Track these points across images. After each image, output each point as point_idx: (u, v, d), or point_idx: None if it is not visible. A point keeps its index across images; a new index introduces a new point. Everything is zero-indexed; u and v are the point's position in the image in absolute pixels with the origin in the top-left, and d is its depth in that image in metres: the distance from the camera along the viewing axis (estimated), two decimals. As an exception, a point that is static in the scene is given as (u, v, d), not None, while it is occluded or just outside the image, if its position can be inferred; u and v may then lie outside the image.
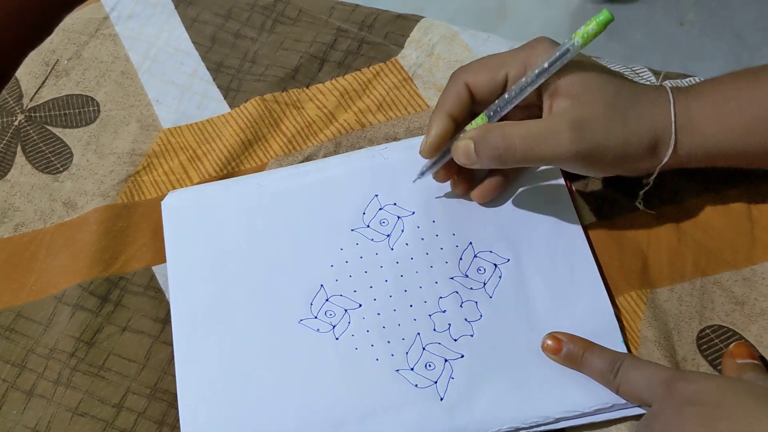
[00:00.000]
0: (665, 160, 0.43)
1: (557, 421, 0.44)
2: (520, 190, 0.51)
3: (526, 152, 0.42)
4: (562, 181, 0.51)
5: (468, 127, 0.45)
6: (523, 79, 0.43)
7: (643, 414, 0.43)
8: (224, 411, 0.46)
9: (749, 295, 0.47)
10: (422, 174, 0.49)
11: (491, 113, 0.45)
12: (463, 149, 0.44)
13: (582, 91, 0.42)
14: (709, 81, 0.45)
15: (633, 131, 0.42)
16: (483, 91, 0.45)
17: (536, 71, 0.42)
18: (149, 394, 0.48)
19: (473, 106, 0.46)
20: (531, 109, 0.46)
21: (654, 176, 0.45)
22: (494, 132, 0.43)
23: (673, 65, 1.29)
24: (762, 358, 0.45)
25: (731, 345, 0.45)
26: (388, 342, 0.47)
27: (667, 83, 0.45)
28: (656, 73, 0.55)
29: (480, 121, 0.45)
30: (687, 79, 0.55)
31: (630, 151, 0.42)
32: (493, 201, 0.50)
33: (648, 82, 0.55)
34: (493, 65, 0.45)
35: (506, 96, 0.44)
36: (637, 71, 0.56)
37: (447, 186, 0.51)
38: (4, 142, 0.58)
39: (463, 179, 0.50)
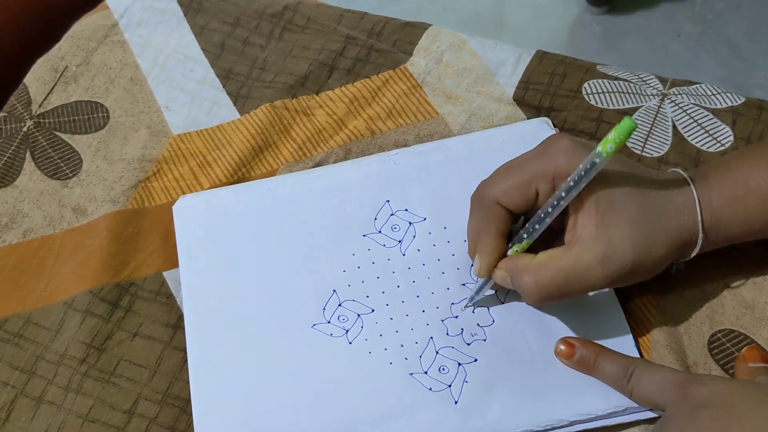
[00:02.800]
0: (693, 255, 0.44)
1: (571, 424, 0.44)
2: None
3: (560, 292, 0.42)
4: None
5: (512, 247, 0.45)
6: (553, 199, 0.42)
7: (656, 417, 0.43)
8: (238, 416, 0.45)
9: (759, 298, 0.47)
10: (473, 298, 0.48)
11: (530, 232, 0.44)
12: (502, 279, 0.45)
13: (607, 209, 0.41)
14: (726, 168, 0.45)
15: (662, 251, 0.42)
16: (518, 210, 0.44)
17: (563, 191, 0.41)
18: (161, 400, 0.48)
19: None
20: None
21: (675, 268, 0.47)
22: (527, 274, 0.42)
23: (669, 76, 1.30)
24: (773, 361, 0.45)
25: (743, 349, 0.45)
26: (402, 346, 0.47)
27: (687, 177, 0.44)
28: (663, 81, 0.56)
29: (518, 247, 0.44)
30: (693, 86, 0.55)
31: (659, 266, 0.43)
32: None
33: (655, 90, 0.55)
34: (523, 183, 0.43)
35: (541, 215, 0.43)
36: (645, 78, 0.56)
37: (459, 194, 0.51)
38: (13, 148, 0.58)
39: None
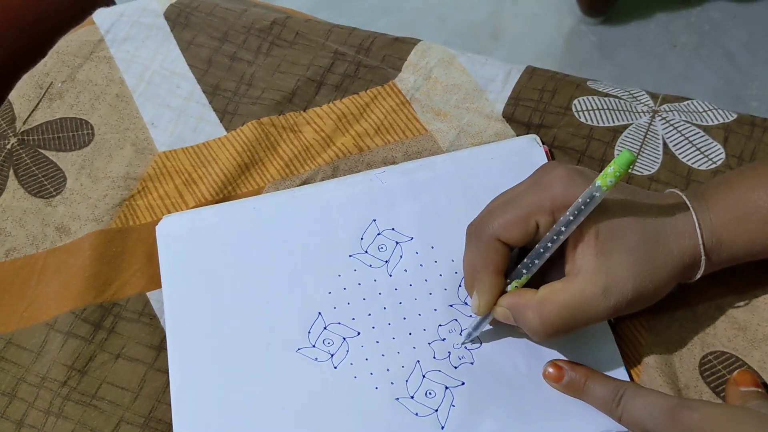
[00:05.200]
0: (696, 278, 0.44)
1: (559, 450, 0.43)
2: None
3: (565, 327, 0.41)
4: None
5: (510, 282, 0.44)
6: (552, 232, 0.42)
7: (646, 443, 0.43)
8: (220, 441, 0.45)
9: (751, 320, 0.47)
10: (471, 335, 0.47)
11: (529, 267, 0.43)
12: (503, 316, 0.44)
13: (606, 238, 0.41)
14: (724, 188, 0.44)
15: (664, 277, 0.42)
16: (518, 244, 0.43)
17: (563, 225, 0.41)
18: (143, 424, 0.47)
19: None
20: None
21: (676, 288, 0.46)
22: (531, 310, 0.42)
23: (665, 86, 1.29)
24: (765, 384, 0.44)
25: (735, 372, 0.44)
26: (388, 370, 0.46)
27: (687, 200, 0.44)
28: (654, 97, 0.55)
29: (517, 283, 0.44)
30: (684, 102, 0.54)
31: (662, 292, 0.43)
32: None
33: (646, 107, 0.55)
34: (522, 218, 0.42)
35: (540, 250, 0.42)
36: (635, 95, 0.55)
37: (446, 213, 0.51)
38: (-3, 165, 0.57)
39: None
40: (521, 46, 1.49)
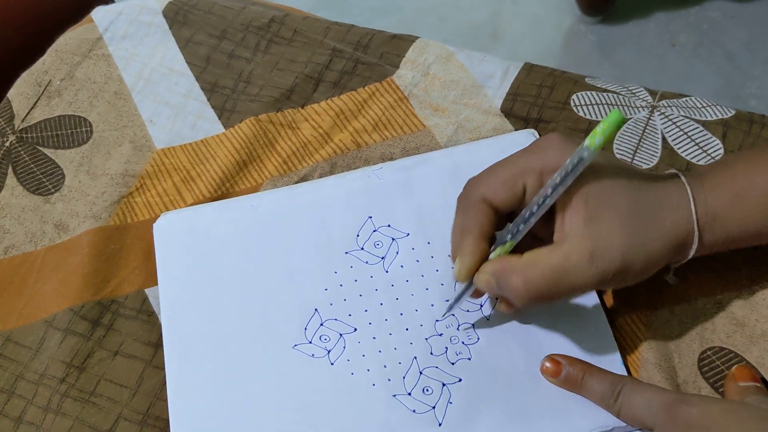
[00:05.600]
0: (687, 258, 0.43)
1: (557, 445, 0.43)
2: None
3: (549, 293, 0.40)
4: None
5: (494, 250, 0.43)
6: (539, 196, 0.40)
7: (645, 438, 0.42)
8: (217, 438, 0.45)
9: (750, 316, 0.47)
10: (452, 306, 0.46)
11: (514, 233, 0.42)
12: (486, 284, 0.42)
13: (596, 206, 0.39)
14: (724, 166, 0.43)
15: (655, 247, 0.40)
16: (504, 206, 0.42)
17: (549, 187, 0.40)
18: (141, 421, 0.47)
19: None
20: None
21: (672, 272, 0.45)
22: (516, 276, 0.40)
23: (664, 86, 1.30)
24: (764, 380, 0.44)
25: (733, 367, 0.44)
26: (385, 366, 0.46)
27: (682, 176, 0.43)
28: (652, 93, 0.55)
29: (501, 250, 0.42)
30: (683, 99, 0.54)
31: (653, 264, 0.41)
32: None
33: (644, 102, 0.55)
34: (509, 178, 0.41)
35: (525, 215, 0.41)
36: (633, 91, 0.55)
37: (442, 208, 0.50)
38: (-5, 163, 0.57)
39: None
40: (521, 46, 1.49)
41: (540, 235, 0.43)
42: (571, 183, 0.39)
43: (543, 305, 0.41)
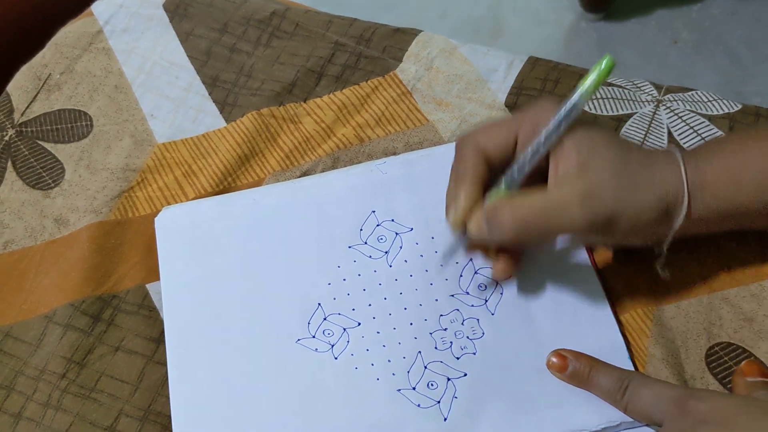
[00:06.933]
0: (677, 225, 0.42)
1: (564, 441, 0.43)
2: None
3: (538, 230, 0.41)
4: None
5: (488, 199, 0.43)
6: (534, 143, 0.42)
7: (652, 434, 0.42)
8: (220, 433, 0.44)
9: (758, 311, 0.46)
10: (445, 258, 0.46)
11: (509, 181, 0.43)
12: (476, 227, 0.42)
13: (588, 155, 0.41)
14: (717, 141, 0.45)
15: (644, 200, 0.41)
16: (496, 155, 0.43)
17: (543, 133, 0.41)
18: (142, 417, 0.46)
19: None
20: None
21: (667, 244, 0.44)
22: (505, 212, 0.41)
23: (666, 83, 1.30)
24: (772, 375, 0.44)
25: (742, 363, 0.44)
26: (389, 361, 0.46)
27: (672, 147, 0.43)
28: (657, 87, 0.55)
29: (498, 194, 0.43)
30: (688, 93, 0.54)
31: (643, 219, 0.41)
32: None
33: (650, 96, 0.54)
34: (503, 128, 0.43)
35: (520, 161, 0.42)
36: (639, 85, 0.55)
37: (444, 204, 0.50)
38: (-6, 157, 0.57)
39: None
40: (521, 43, 1.49)
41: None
42: (564, 130, 0.41)
43: (531, 244, 0.43)
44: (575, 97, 0.40)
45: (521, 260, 0.47)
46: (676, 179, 0.41)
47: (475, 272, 0.48)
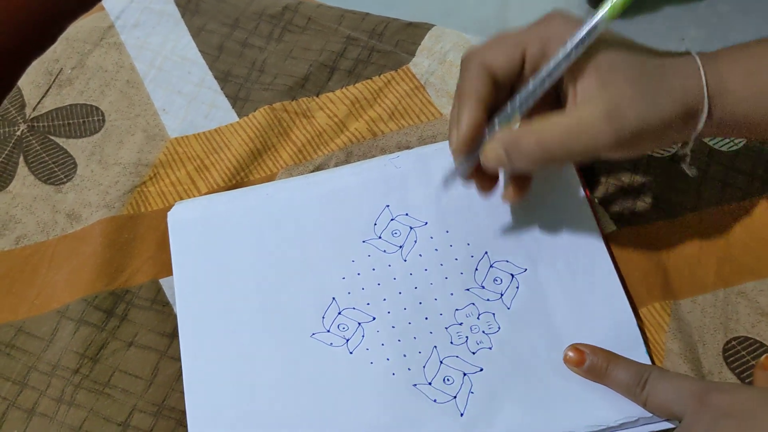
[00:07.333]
0: (699, 128, 0.41)
1: (581, 436, 0.42)
2: (536, 197, 0.49)
3: (564, 152, 0.39)
4: (580, 189, 0.50)
5: (499, 123, 0.41)
6: (549, 65, 0.40)
7: (670, 429, 0.42)
8: (234, 428, 0.44)
9: (775, 305, 0.46)
10: (450, 177, 0.45)
11: (520, 106, 0.41)
12: (494, 155, 0.41)
13: (607, 69, 0.39)
14: (738, 47, 0.43)
15: (666, 108, 0.39)
16: (502, 72, 0.41)
17: (560, 55, 0.39)
18: (156, 412, 0.46)
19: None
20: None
21: (690, 146, 0.44)
22: (527, 137, 0.40)
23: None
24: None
25: (762, 357, 0.43)
26: (404, 356, 0.45)
27: (692, 51, 0.42)
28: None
29: (508, 119, 0.41)
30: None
31: (666, 128, 0.40)
32: (509, 209, 0.49)
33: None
34: (509, 44, 0.41)
35: (531, 85, 0.40)
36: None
37: (461, 197, 0.50)
38: (6, 152, 0.57)
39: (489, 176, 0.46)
40: (529, 40, 1.48)
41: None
42: (582, 51, 0.39)
43: (554, 166, 0.40)
44: (596, 19, 0.38)
45: (530, 183, 0.46)
46: (697, 85, 0.40)
47: (491, 266, 0.48)
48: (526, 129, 0.40)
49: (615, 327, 0.45)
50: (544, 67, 0.40)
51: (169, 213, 0.52)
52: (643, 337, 0.45)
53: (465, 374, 0.44)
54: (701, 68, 0.40)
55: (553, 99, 0.42)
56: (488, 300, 0.47)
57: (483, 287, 0.47)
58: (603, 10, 0.38)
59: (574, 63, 0.39)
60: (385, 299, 0.47)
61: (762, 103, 0.41)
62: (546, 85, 0.40)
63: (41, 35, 0.62)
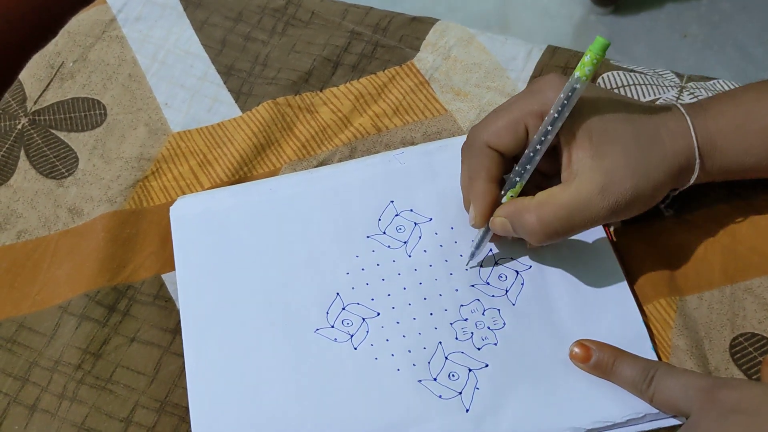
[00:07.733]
0: (690, 183, 0.44)
1: (588, 432, 0.42)
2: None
3: (562, 227, 0.41)
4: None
5: (504, 193, 0.44)
6: (538, 136, 0.42)
7: (677, 425, 0.41)
8: (238, 425, 0.44)
9: (782, 302, 0.46)
10: (474, 254, 0.47)
11: (521, 174, 0.43)
12: (501, 226, 0.44)
13: (600, 139, 0.41)
14: (726, 96, 0.45)
15: (660, 177, 0.42)
16: (508, 151, 0.43)
17: (549, 124, 0.41)
18: (159, 408, 0.46)
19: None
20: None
21: (669, 201, 0.47)
22: (529, 215, 0.42)
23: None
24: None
25: (770, 353, 0.43)
26: (409, 351, 0.45)
27: (680, 107, 0.44)
28: (679, 76, 0.54)
29: (512, 192, 0.44)
30: (710, 82, 0.53)
31: (658, 192, 0.43)
32: None
33: (672, 83, 0.53)
34: (511, 123, 0.43)
35: (529, 155, 0.42)
36: (661, 73, 0.54)
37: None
38: (7, 146, 0.56)
39: None
40: (530, 37, 1.47)
41: (549, 174, 0.45)
42: (567, 116, 0.40)
43: (557, 241, 0.43)
44: (573, 82, 0.40)
45: None
46: (687, 146, 0.42)
47: (496, 262, 0.48)
48: (528, 204, 0.42)
49: (621, 323, 0.45)
50: (536, 137, 0.42)
51: (171, 208, 0.51)
52: (649, 334, 0.45)
53: (470, 370, 0.44)
54: (692, 128, 0.42)
55: (554, 154, 0.43)
56: (493, 296, 0.47)
57: (488, 283, 0.47)
58: (575, 74, 0.40)
59: (566, 127, 0.41)
60: (389, 295, 0.47)
61: (750, 154, 0.43)
62: (541, 152, 0.42)
63: (43, 28, 0.61)
